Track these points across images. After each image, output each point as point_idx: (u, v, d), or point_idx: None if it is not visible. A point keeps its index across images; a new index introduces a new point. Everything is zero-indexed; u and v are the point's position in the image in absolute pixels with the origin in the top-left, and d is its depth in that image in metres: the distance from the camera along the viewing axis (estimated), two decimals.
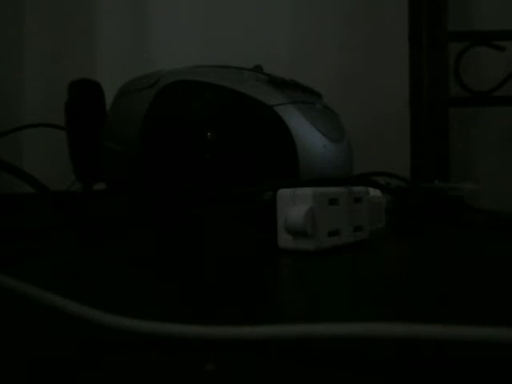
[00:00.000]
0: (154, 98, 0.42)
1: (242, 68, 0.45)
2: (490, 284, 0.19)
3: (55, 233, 0.33)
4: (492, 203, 0.62)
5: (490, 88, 0.71)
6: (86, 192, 0.61)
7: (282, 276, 0.22)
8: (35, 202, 0.41)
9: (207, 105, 0.41)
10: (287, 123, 0.39)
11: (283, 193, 0.26)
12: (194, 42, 0.81)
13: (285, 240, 0.25)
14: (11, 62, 0.83)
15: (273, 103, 0.40)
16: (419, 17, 0.72)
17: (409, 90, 0.73)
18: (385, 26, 0.79)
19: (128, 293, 0.18)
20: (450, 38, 0.71)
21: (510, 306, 0.16)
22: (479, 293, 0.17)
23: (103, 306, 0.13)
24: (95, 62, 0.84)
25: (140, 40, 0.84)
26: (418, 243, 0.30)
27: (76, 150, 0.63)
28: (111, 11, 0.85)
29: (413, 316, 0.15)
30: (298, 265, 0.23)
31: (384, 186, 0.34)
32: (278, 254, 0.25)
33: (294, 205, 0.25)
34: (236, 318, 0.14)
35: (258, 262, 0.24)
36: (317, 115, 0.42)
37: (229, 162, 0.39)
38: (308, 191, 0.25)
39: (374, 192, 0.32)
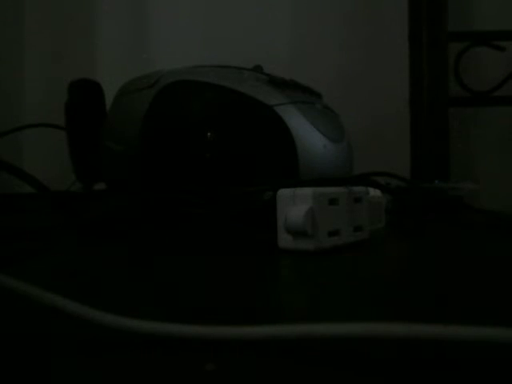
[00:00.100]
0: (153, 98, 0.42)
1: (242, 68, 0.45)
2: (490, 284, 0.19)
3: (55, 233, 0.33)
4: (492, 203, 0.62)
5: (490, 88, 0.71)
6: (86, 192, 0.61)
7: (282, 276, 0.22)
8: (35, 201, 0.41)
9: (207, 105, 0.41)
10: (287, 123, 0.39)
11: (283, 193, 0.26)
12: (194, 42, 0.81)
13: (285, 240, 0.25)
14: (11, 62, 0.83)
15: (273, 103, 0.40)
16: (419, 17, 0.71)
17: (409, 89, 0.73)
18: (385, 26, 0.79)
19: (128, 293, 0.18)
20: (449, 38, 0.71)
21: (510, 305, 0.16)
22: (479, 293, 0.17)
23: (103, 305, 0.13)
24: (95, 62, 0.84)
25: (140, 40, 0.84)
26: (418, 243, 0.30)
27: (76, 150, 0.63)
28: (111, 11, 0.85)
29: (413, 316, 0.15)
30: (298, 265, 0.23)
31: (384, 186, 0.34)
32: (278, 254, 0.25)
33: (294, 205, 0.25)
34: (236, 318, 0.14)
35: (258, 262, 0.24)
36: (317, 115, 0.42)
37: (229, 162, 0.39)
38: (308, 191, 0.25)
39: (374, 192, 0.32)
